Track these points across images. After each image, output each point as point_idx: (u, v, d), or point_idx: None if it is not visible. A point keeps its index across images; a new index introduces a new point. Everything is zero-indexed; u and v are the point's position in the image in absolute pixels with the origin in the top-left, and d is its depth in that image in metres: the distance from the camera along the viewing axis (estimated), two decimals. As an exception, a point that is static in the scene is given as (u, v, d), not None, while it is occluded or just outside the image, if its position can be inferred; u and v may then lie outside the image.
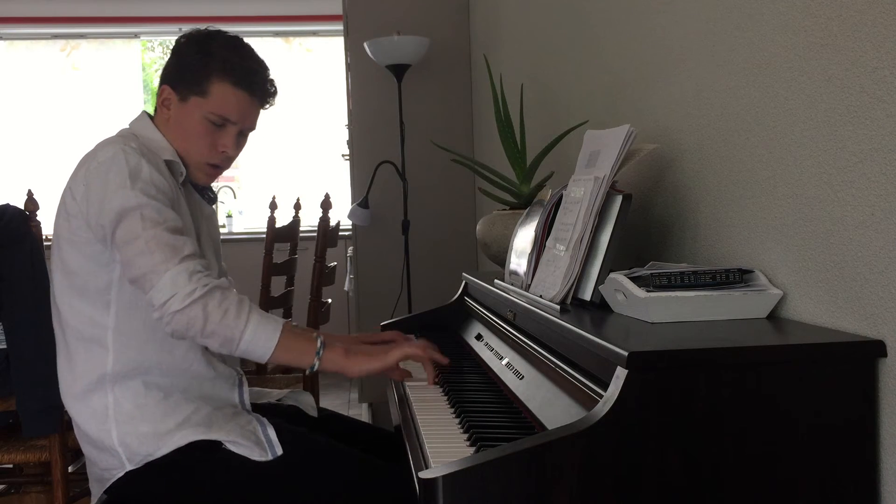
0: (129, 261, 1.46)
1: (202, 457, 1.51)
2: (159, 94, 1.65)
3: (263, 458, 1.50)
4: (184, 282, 1.42)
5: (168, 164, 1.60)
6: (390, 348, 1.58)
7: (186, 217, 1.61)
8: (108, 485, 1.55)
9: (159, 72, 1.73)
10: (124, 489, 1.53)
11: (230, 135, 1.63)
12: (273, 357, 1.47)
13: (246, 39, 1.67)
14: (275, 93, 1.68)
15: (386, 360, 1.55)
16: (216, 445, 1.51)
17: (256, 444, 1.52)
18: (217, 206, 1.85)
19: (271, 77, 1.68)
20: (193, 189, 1.72)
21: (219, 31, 1.65)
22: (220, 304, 1.43)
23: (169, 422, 1.52)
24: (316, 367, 1.51)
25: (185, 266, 1.43)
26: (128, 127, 1.68)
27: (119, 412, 1.53)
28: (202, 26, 1.67)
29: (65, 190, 1.57)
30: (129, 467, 1.52)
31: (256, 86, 1.63)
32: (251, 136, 1.72)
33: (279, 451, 1.52)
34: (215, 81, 1.59)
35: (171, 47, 1.66)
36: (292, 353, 1.50)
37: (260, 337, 1.45)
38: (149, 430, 1.52)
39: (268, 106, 1.69)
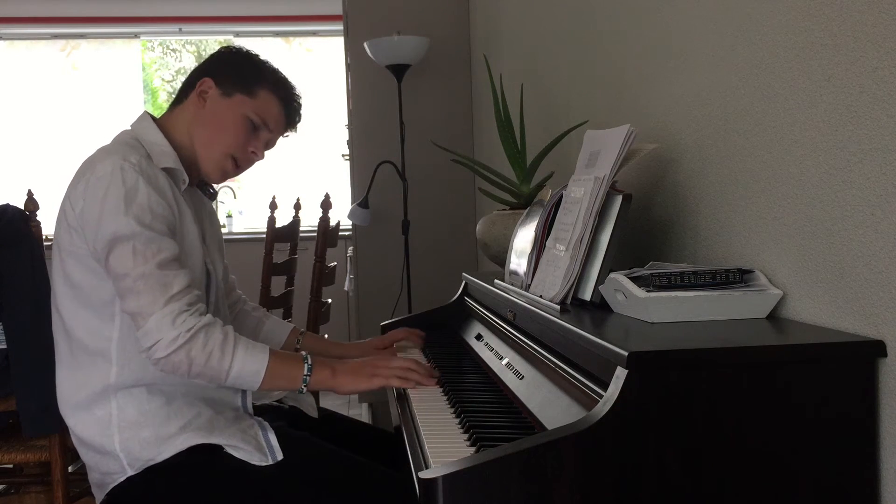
0: (120, 295, 1.48)
1: (203, 461, 1.51)
2: (198, 84, 1.66)
3: (264, 463, 1.50)
4: (167, 327, 1.43)
5: (169, 171, 1.59)
6: (376, 370, 1.60)
7: (190, 225, 1.60)
8: (108, 489, 1.55)
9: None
10: (125, 493, 1.53)
11: (262, 140, 1.69)
12: (262, 386, 1.51)
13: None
14: (297, 127, 1.76)
15: (370, 384, 1.58)
16: (217, 450, 1.51)
17: (257, 448, 1.52)
18: (217, 205, 1.87)
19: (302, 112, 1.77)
20: (194, 185, 1.71)
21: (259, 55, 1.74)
22: (204, 348, 1.45)
23: (171, 426, 1.52)
24: (305, 391, 1.55)
25: (171, 308, 1.44)
26: (129, 129, 1.65)
27: (123, 419, 1.52)
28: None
29: (64, 199, 1.55)
30: (130, 472, 1.52)
31: (294, 108, 1.72)
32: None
33: (280, 456, 1.51)
34: (263, 89, 1.66)
35: (209, 50, 1.68)
36: (281, 380, 1.54)
37: (247, 371, 1.49)
38: (151, 435, 1.51)
39: (288, 134, 1.76)
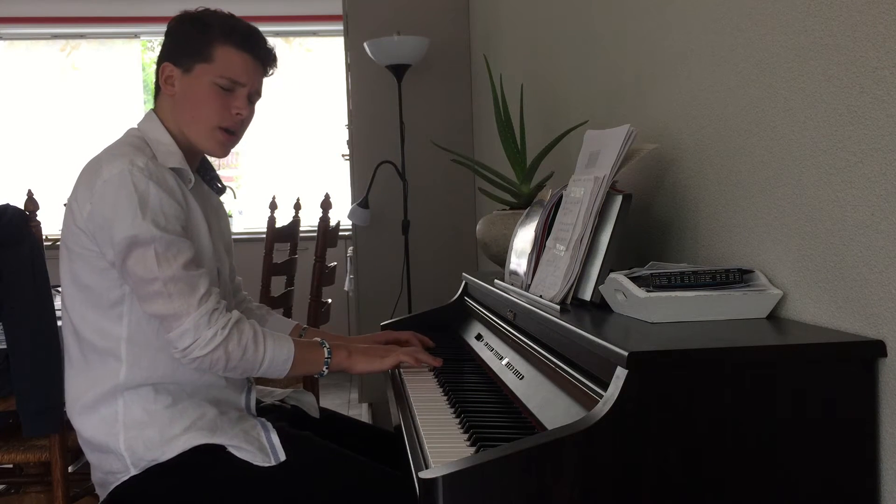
0: (146, 299, 1.48)
1: (206, 461, 1.51)
2: (160, 73, 1.63)
3: (266, 464, 1.50)
4: (204, 326, 1.47)
5: (176, 171, 1.58)
6: (388, 352, 1.72)
7: (200, 223, 1.59)
8: (111, 488, 1.55)
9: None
10: (127, 493, 1.53)
11: (241, 97, 1.63)
12: (290, 372, 1.59)
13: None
14: (275, 58, 1.70)
15: (382, 364, 1.70)
16: (220, 450, 1.51)
17: (259, 449, 1.52)
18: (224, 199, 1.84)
19: (269, 41, 1.69)
20: (202, 180, 1.70)
21: (208, 7, 1.66)
22: (240, 343, 1.51)
23: (175, 426, 1.52)
24: (326, 373, 1.64)
25: (205, 308, 1.48)
26: (136, 128, 1.64)
27: (128, 418, 1.53)
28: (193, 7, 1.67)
29: (70, 200, 1.54)
30: (134, 472, 1.52)
31: (258, 46, 1.65)
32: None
33: (282, 456, 1.52)
34: (218, 46, 1.60)
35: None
36: (305, 366, 1.62)
37: (278, 360, 1.56)
38: (155, 435, 1.51)
39: (270, 71, 1.69)
